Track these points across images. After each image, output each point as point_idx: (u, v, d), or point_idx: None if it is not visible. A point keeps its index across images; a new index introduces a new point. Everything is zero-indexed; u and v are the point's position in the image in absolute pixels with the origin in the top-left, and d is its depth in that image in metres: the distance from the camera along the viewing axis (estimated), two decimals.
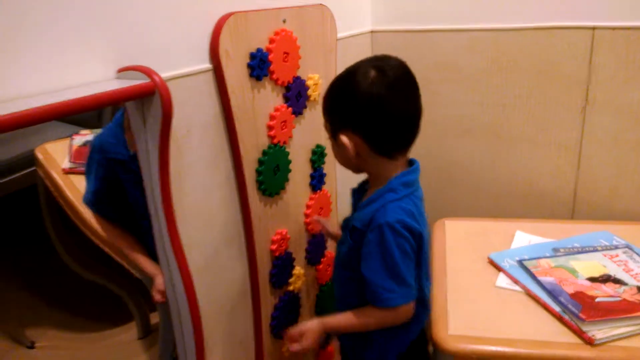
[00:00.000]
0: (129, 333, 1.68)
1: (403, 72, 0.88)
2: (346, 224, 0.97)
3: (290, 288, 1.20)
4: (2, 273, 1.86)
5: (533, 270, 1.07)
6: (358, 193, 1.00)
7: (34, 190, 1.56)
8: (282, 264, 1.16)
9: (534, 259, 1.11)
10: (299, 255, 1.22)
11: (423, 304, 0.95)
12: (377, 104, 0.84)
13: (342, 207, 1.34)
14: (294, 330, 0.96)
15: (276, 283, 1.15)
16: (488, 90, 1.38)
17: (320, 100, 1.01)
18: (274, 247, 1.12)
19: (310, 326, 0.94)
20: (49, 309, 1.80)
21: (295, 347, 0.94)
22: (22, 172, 1.57)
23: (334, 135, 0.91)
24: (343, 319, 0.94)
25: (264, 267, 1.11)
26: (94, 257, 1.62)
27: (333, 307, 1.05)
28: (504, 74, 1.34)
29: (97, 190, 1.11)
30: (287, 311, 1.21)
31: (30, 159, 1.50)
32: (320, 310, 1.33)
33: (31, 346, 1.66)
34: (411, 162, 0.94)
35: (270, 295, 1.15)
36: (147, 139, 0.83)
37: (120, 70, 0.80)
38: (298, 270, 1.21)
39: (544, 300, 1.00)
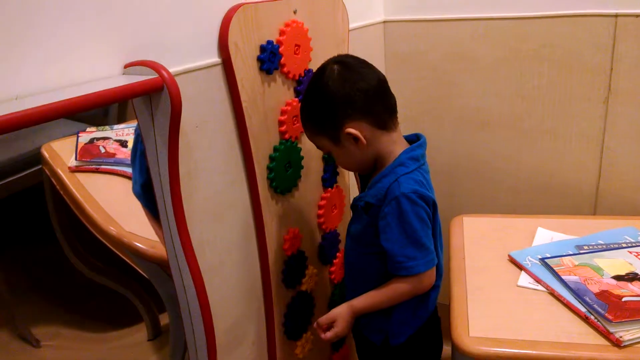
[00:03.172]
0: (138, 334, 1.66)
1: (354, 56, 0.97)
2: (356, 203, 0.99)
3: (303, 288, 1.17)
4: (11, 273, 1.84)
5: (556, 268, 1.03)
6: (363, 178, 1.04)
7: (40, 189, 1.53)
8: (295, 263, 1.13)
9: (557, 257, 1.07)
10: (312, 254, 1.19)
11: (438, 272, 0.98)
12: (358, 82, 0.91)
13: None
14: (324, 318, 0.98)
15: (288, 283, 1.12)
16: (506, 80, 1.33)
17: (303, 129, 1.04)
18: (286, 246, 1.09)
19: (339, 311, 0.97)
20: (57, 309, 1.78)
21: (328, 335, 0.96)
22: (28, 171, 1.54)
23: (337, 140, 0.94)
24: (370, 297, 0.96)
25: (276, 266, 1.09)
26: (102, 258, 1.60)
27: (348, 293, 1.06)
28: (523, 63, 1.30)
29: (144, 183, 1.08)
30: (300, 311, 1.18)
31: (37, 157, 1.47)
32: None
33: (37, 345, 1.64)
34: (417, 137, 0.99)
35: (282, 296, 1.12)
36: (155, 136, 0.80)
37: (127, 66, 0.78)
38: (311, 269, 1.18)
39: (568, 300, 0.96)
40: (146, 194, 1.05)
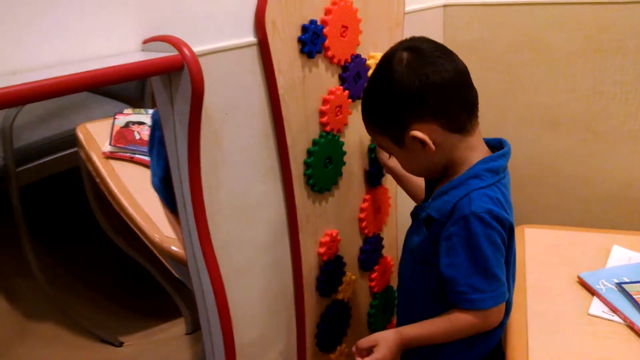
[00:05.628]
0: (177, 328, 1.62)
1: (430, 40, 0.82)
2: (418, 212, 0.86)
3: (340, 296, 1.07)
4: (51, 262, 1.82)
5: (637, 296, 0.88)
6: (431, 181, 0.90)
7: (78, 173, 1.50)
8: (331, 269, 1.03)
9: (638, 282, 0.92)
10: (351, 260, 1.09)
11: (506, 308, 0.83)
12: (431, 75, 0.76)
13: (403, 206, 1.18)
14: (364, 340, 0.83)
15: (323, 290, 1.03)
16: (582, 75, 1.18)
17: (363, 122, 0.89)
18: (322, 250, 1.00)
19: (384, 336, 0.82)
20: (103, 303, 1.76)
21: None
22: (67, 152, 1.50)
23: (401, 141, 0.81)
24: (423, 328, 0.81)
25: (310, 272, 1.00)
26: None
27: (398, 309, 0.95)
28: (603, 56, 1.15)
29: (163, 175, 1.00)
30: (335, 322, 1.08)
31: (73, 139, 1.43)
32: (374, 321, 1.19)
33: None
34: (500, 144, 0.85)
35: (316, 304, 1.03)
36: (175, 123, 0.72)
37: (146, 42, 0.69)
38: (349, 276, 1.08)
39: None
40: (166, 188, 0.98)
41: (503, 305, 0.78)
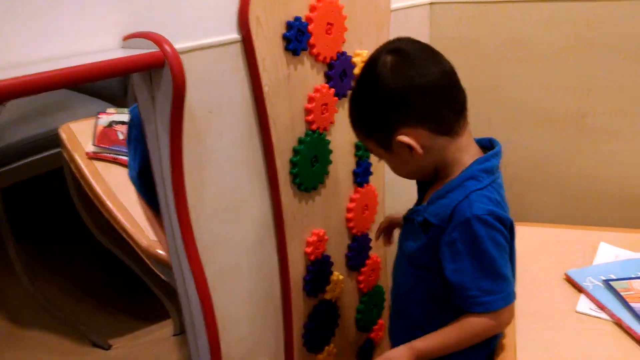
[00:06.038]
0: (166, 329, 1.60)
1: (415, 41, 0.80)
2: (412, 217, 0.83)
3: (327, 296, 1.06)
4: (36, 265, 1.79)
5: (623, 293, 0.88)
6: (423, 183, 0.88)
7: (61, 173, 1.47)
8: (318, 269, 1.02)
9: (624, 279, 0.92)
10: (338, 260, 1.08)
11: None
12: (416, 78, 0.75)
13: (390, 204, 1.18)
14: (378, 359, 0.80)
15: (311, 290, 1.02)
16: (571, 72, 1.17)
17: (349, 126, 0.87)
18: (309, 249, 0.99)
19: (397, 352, 0.78)
20: (85, 302, 1.73)
21: None
22: (49, 152, 1.47)
23: (388, 146, 0.79)
24: (436, 338, 0.79)
25: (297, 272, 0.99)
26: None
27: (391, 313, 0.93)
28: (592, 53, 1.14)
29: (140, 169, 0.98)
30: (323, 322, 1.07)
31: (56, 138, 1.40)
32: (362, 319, 1.18)
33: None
34: (491, 144, 0.83)
35: (303, 304, 1.02)
36: (156, 121, 0.70)
37: (126, 38, 0.68)
38: (336, 276, 1.07)
39: (639, 334, 0.80)
40: (142, 182, 0.97)
41: (513, 304, 0.77)
